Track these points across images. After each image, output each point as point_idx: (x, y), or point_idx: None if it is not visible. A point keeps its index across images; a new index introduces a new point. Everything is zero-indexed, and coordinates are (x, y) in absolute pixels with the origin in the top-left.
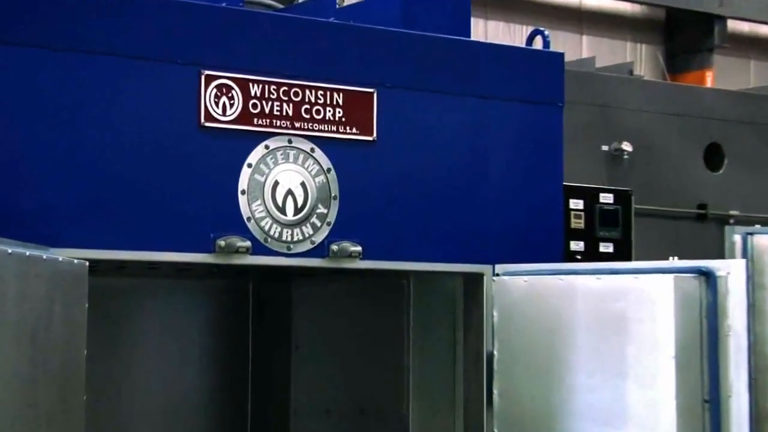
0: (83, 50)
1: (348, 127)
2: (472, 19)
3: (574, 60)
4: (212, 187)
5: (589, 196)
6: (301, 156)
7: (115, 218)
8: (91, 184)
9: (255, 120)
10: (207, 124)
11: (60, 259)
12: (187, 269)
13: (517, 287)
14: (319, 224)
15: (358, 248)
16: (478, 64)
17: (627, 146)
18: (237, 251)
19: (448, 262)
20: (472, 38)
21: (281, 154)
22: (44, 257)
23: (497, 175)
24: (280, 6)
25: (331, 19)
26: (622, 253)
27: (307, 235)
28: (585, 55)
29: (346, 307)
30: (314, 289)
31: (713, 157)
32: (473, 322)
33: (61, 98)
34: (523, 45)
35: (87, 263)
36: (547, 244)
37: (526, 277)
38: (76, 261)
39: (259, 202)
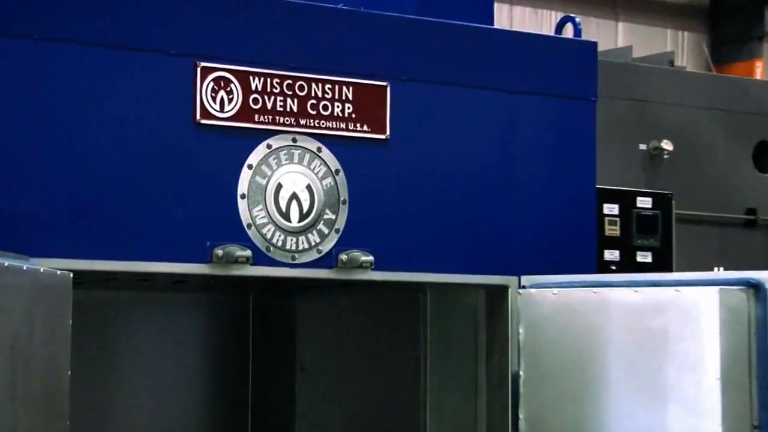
0: (62, 40)
1: (359, 125)
2: (496, 5)
3: (608, 50)
4: (209, 190)
5: (626, 201)
6: (307, 156)
7: (102, 225)
8: (75, 187)
9: (256, 117)
10: (203, 122)
11: (41, 270)
12: (182, 281)
13: (545, 301)
14: (326, 231)
15: (370, 258)
16: (502, 55)
17: (667, 145)
18: (236, 261)
19: (469, 273)
20: (496, 26)
21: (285, 154)
22: (24, 268)
23: (524, 178)
24: None
25: (341, 5)
26: (662, 263)
27: (313, 244)
28: (621, 44)
29: (357, 324)
30: (321, 303)
31: (763, 156)
32: (497, 339)
33: (40, 94)
34: (552, 33)
35: (71, 274)
36: (578, 254)
37: (555, 290)
38: (59, 272)
39: (260, 207)
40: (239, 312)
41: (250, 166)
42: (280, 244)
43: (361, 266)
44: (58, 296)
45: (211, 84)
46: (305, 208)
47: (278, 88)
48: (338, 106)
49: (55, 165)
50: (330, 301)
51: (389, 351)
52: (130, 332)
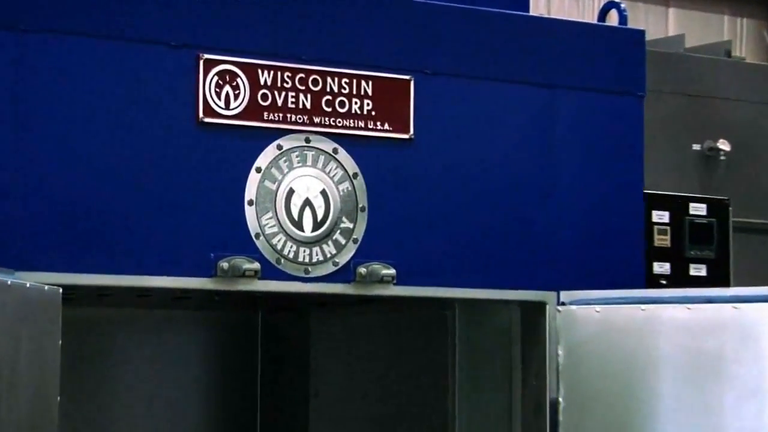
0: (47, 30)
1: (379, 123)
2: None
3: (658, 38)
4: (213, 196)
5: (677, 207)
6: (322, 158)
7: (94, 235)
8: (64, 194)
9: (265, 114)
10: (206, 120)
11: (28, 285)
12: (183, 297)
13: (587, 319)
14: (343, 242)
15: (392, 271)
16: (539, 46)
17: (724, 145)
18: (243, 275)
19: (501, 288)
20: (532, 13)
21: (297, 156)
22: (8, 283)
23: (563, 182)
24: None
25: None
26: (718, 276)
27: (328, 256)
28: (672, 32)
29: (377, 345)
30: (337, 322)
31: None
32: (533, 362)
33: (23, 92)
34: (595, 21)
35: (61, 290)
36: (624, 266)
37: (598, 307)
38: (47, 287)
39: (270, 214)
40: (246, 332)
41: (258, 170)
42: (291, 255)
43: (382, 280)
44: (47, 314)
45: (216, 78)
46: (320, 216)
47: (290, 83)
48: (356, 103)
49: (41, 170)
50: (347, 319)
51: (413, 375)
52: (125, 354)
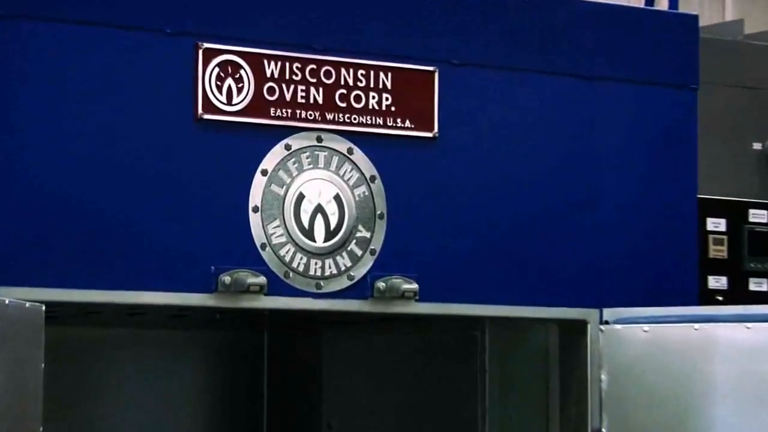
0: (27, 16)
1: (399, 120)
2: None
3: (714, 24)
4: (213, 202)
5: (735, 214)
6: (335, 159)
7: (81, 246)
8: (47, 200)
9: (272, 110)
10: (206, 117)
11: (7, 302)
12: (180, 316)
13: (634, 340)
14: (359, 253)
15: (414, 286)
16: (579, 32)
17: None
18: (247, 290)
19: (537, 305)
20: None
21: (307, 157)
22: None
23: (606, 186)
24: None
25: None
26: None
27: (343, 268)
28: (729, 17)
29: (397, 369)
30: (353, 343)
31: None
32: (573, 388)
33: (1, 85)
34: (642, 5)
35: (43, 307)
36: (675, 280)
37: (646, 326)
38: (28, 305)
39: (277, 222)
40: (251, 354)
41: (264, 172)
42: (301, 268)
43: (403, 296)
44: (28, 334)
45: (216, 70)
46: (333, 224)
47: (299, 75)
48: (374, 97)
49: (21, 173)
50: (364, 340)
51: (438, 403)
52: (116, 378)
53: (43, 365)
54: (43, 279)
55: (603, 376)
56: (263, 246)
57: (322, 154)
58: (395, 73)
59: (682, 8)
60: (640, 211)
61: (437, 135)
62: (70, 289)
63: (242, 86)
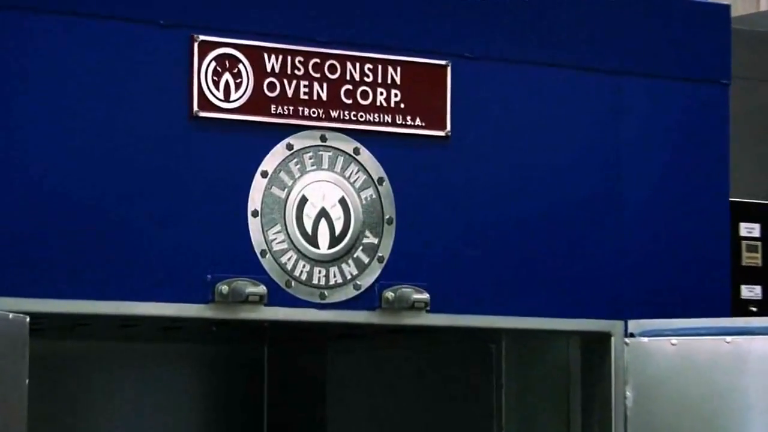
0: (15, 7)
1: (409, 118)
2: None
3: (747, 14)
4: (210, 206)
5: None
6: (341, 160)
7: (68, 253)
8: (32, 203)
9: (272, 107)
10: (202, 114)
11: None
12: (174, 328)
13: (661, 354)
14: (366, 260)
15: (425, 296)
16: (603, 24)
17: None
18: (246, 300)
19: (557, 317)
20: None
21: (311, 158)
22: None
23: (632, 189)
24: None
25: None
26: None
27: (348, 277)
28: (764, 7)
29: (407, 385)
30: (359, 357)
31: None
32: (596, 406)
33: None
34: None
35: (28, 319)
36: (706, 289)
37: (674, 339)
38: (11, 316)
39: (278, 228)
40: (250, 369)
41: (264, 174)
42: (304, 277)
43: (413, 307)
44: (11, 347)
45: (213, 64)
46: (338, 230)
47: (302, 70)
48: (382, 93)
49: (4, 172)
50: (371, 353)
51: (451, 420)
52: (104, 396)
53: (27, 381)
54: (27, 288)
55: (628, 393)
56: (263, 253)
57: (326, 155)
58: (405, 67)
59: None
60: (668, 215)
61: (450, 134)
62: (56, 299)
63: (241, 81)
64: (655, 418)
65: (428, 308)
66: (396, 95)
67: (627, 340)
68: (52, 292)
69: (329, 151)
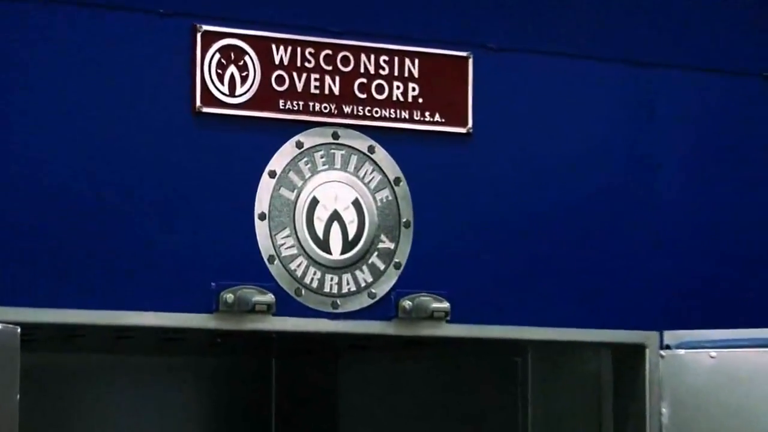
0: None
1: (428, 114)
2: None
3: None
4: (214, 209)
5: None
6: (354, 159)
7: (61, 260)
8: (24, 206)
9: (281, 102)
10: (206, 110)
11: None
12: (176, 339)
13: (699, 367)
14: (382, 267)
15: (444, 305)
16: (632, 14)
17: None
18: (253, 310)
19: (587, 327)
20: None
21: (322, 157)
22: None
23: (667, 188)
24: None
25: None
26: None
27: (363, 285)
28: None
29: (425, 401)
30: (374, 370)
31: None
32: (629, 422)
33: None
34: None
35: (19, 330)
36: (747, 298)
37: (714, 351)
38: (2, 326)
39: (287, 232)
40: (257, 382)
41: (272, 174)
42: (315, 285)
43: (432, 317)
44: (1, 359)
45: (218, 56)
46: (351, 234)
47: (313, 62)
48: (399, 87)
49: None
50: (386, 367)
51: None
52: (102, 411)
53: (18, 396)
54: (18, 297)
55: (664, 409)
56: (271, 259)
57: (338, 153)
58: (423, 59)
59: None
60: (708, 218)
61: (471, 130)
62: (49, 309)
63: (247, 75)
64: None
65: (448, 318)
66: (414, 89)
67: (662, 352)
68: (44, 302)
69: (342, 150)
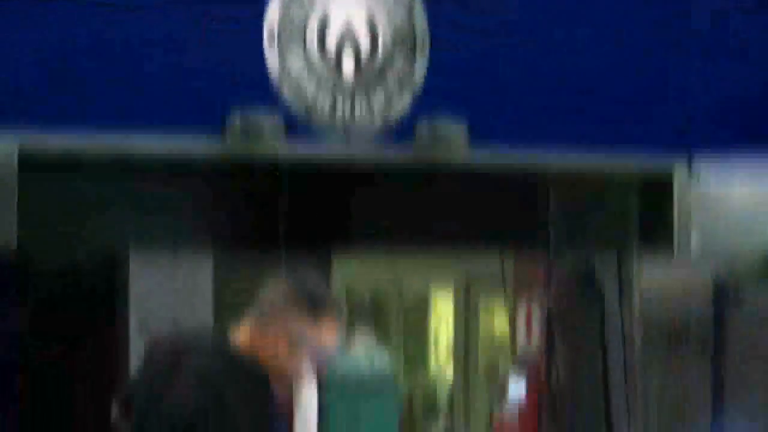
0: None
1: None
2: None
3: None
4: (220, 27)
5: None
6: None
7: (54, 79)
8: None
9: None
10: None
11: None
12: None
13: (729, 193)
14: (396, 89)
15: (463, 129)
16: None
17: None
18: (261, 134)
19: (613, 150)
20: None
21: None
22: None
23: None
24: None
25: None
26: None
27: (376, 108)
28: None
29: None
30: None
31: None
32: (658, 244)
33: None
34: None
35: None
36: None
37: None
38: None
39: (297, 52)
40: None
41: None
42: (327, 108)
43: (451, 142)
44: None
45: None
46: (364, 54)
47: None
48: None
49: None
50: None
51: None
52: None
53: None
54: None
55: (693, 237)
56: (280, 81)
57: None
58: None
59: None
60: (739, 28)
61: None
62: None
63: None
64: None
65: (468, 145)
66: None
67: (694, 178)
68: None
69: None
